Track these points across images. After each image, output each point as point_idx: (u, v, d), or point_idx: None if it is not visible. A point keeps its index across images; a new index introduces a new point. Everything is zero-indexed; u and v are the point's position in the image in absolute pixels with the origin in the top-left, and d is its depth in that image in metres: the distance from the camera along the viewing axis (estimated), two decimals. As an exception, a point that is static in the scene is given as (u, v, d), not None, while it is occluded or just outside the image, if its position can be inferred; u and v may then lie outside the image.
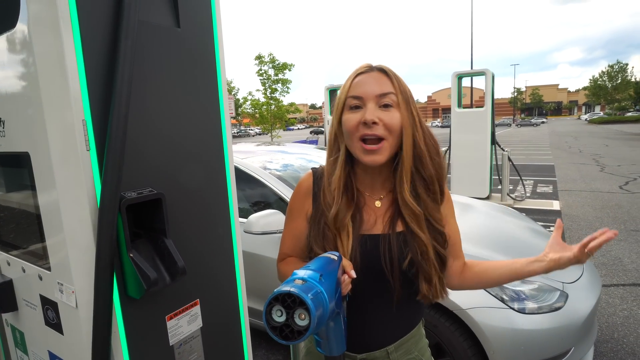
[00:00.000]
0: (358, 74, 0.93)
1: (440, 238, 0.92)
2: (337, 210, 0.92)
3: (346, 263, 0.84)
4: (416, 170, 0.91)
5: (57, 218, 0.96)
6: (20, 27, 0.94)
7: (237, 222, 1.28)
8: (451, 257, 1.00)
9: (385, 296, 0.93)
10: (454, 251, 1.02)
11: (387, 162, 0.94)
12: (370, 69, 0.93)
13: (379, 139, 0.88)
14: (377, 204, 0.97)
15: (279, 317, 0.61)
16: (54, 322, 1.07)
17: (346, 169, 0.96)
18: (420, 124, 0.92)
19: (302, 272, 0.68)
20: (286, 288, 0.60)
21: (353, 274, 0.82)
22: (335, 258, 0.80)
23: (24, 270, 1.15)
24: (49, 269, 1.04)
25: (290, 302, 0.60)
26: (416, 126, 0.91)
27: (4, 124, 1.06)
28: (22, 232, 1.16)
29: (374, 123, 0.87)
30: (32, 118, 0.96)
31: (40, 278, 1.08)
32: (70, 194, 0.93)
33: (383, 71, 0.92)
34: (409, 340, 0.98)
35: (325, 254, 0.81)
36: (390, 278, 0.90)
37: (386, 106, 0.88)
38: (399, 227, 0.92)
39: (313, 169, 1.06)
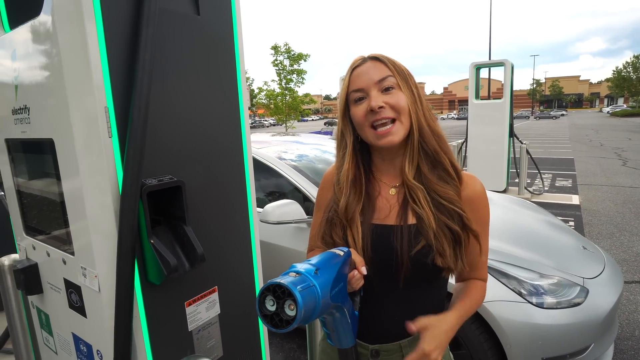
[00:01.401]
0: (354, 68, 0.94)
1: (447, 214, 0.88)
2: (346, 202, 0.93)
3: (357, 259, 0.84)
4: (420, 146, 0.92)
5: (80, 204, 0.98)
6: (44, 16, 0.95)
7: (254, 211, 1.29)
8: (468, 261, 0.93)
9: (399, 290, 0.92)
10: (472, 256, 0.94)
11: (402, 146, 0.95)
12: (363, 60, 0.94)
13: (391, 120, 0.89)
14: (392, 191, 0.96)
15: (271, 306, 0.65)
16: (77, 305, 1.10)
17: (354, 162, 0.96)
18: (420, 100, 0.93)
19: (300, 266, 0.72)
20: (278, 280, 0.65)
21: (364, 271, 0.82)
22: (342, 254, 0.81)
23: (48, 255, 1.18)
24: (72, 253, 1.06)
25: (280, 292, 0.64)
26: (417, 103, 0.92)
27: (29, 111, 1.08)
28: (47, 218, 1.19)
29: (381, 107, 0.88)
30: (56, 105, 0.97)
31: (64, 262, 1.10)
32: (92, 180, 0.94)
33: (376, 59, 0.93)
34: None
35: (333, 250, 0.82)
36: (401, 266, 0.89)
37: (388, 89, 0.90)
38: (411, 218, 0.91)
39: None
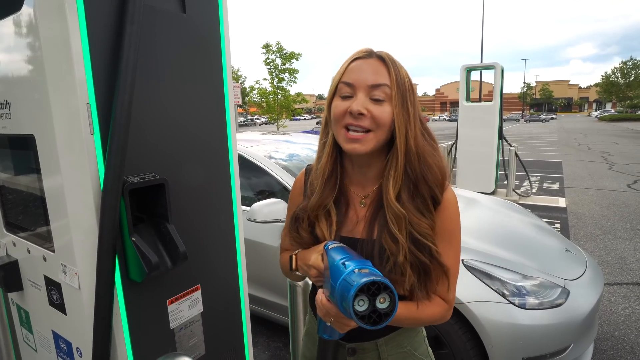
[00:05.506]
0: (355, 58, 0.86)
1: (420, 246, 0.84)
2: (318, 196, 0.92)
3: None
4: (406, 170, 0.85)
5: (61, 200, 0.97)
6: (27, 10, 0.94)
7: (239, 210, 1.29)
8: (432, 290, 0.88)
9: None
10: (439, 289, 0.88)
11: (379, 157, 0.90)
12: (369, 54, 0.86)
13: (365, 130, 0.83)
14: (362, 203, 0.94)
15: (360, 306, 0.66)
16: (57, 302, 1.09)
17: (332, 157, 0.93)
18: (415, 121, 0.85)
19: (352, 264, 0.71)
20: (365, 279, 0.65)
21: None
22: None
23: (29, 251, 1.17)
24: (53, 250, 1.05)
25: (374, 289, 0.65)
26: (410, 123, 0.84)
27: (10, 107, 1.07)
28: (28, 214, 1.17)
29: (360, 114, 0.82)
30: (37, 101, 0.96)
31: (45, 259, 1.09)
32: (74, 177, 0.94)
33: (382, 59, 0.84)
34: (401, 335, 0.97)
35: (337, 245, 0.83)
36: None
37: (377, 100, 0.83)
38: (377, 233, 0.89)
39: (308, 166, 1.06)
